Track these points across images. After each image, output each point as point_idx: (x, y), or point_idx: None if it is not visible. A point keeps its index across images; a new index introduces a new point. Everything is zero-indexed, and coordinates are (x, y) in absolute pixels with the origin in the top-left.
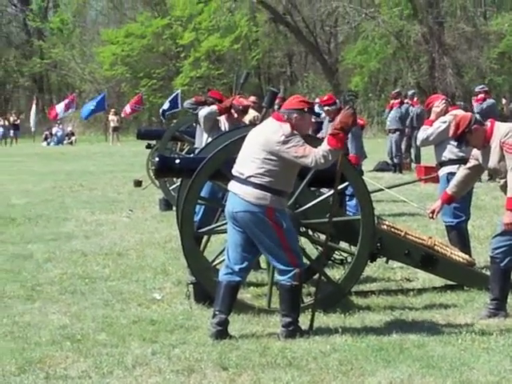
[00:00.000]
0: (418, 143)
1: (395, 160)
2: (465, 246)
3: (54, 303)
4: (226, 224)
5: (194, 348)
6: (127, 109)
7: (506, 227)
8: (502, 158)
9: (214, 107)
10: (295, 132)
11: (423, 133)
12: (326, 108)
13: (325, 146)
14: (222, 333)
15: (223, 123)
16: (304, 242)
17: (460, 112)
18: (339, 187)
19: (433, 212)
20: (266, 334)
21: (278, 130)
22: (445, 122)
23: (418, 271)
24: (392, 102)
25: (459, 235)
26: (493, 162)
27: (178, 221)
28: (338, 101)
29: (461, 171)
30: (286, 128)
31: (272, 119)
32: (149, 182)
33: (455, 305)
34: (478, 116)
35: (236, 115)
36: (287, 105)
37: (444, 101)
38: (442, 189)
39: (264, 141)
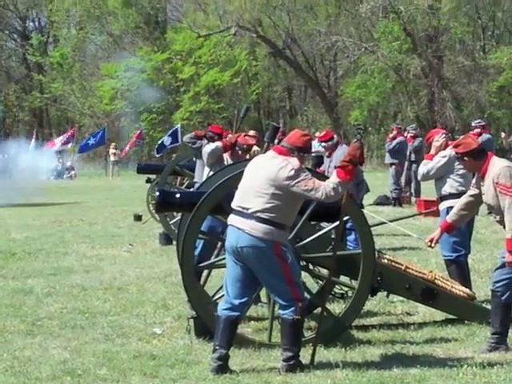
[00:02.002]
0: (419, 178)
1: (393, 194)
2: (464, 280)
3: (54, 338)
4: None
5: (194, 383)
6: (127, 148)
7: (507, 265)
8: (495, 196)
9: (219, 144)
10: (303, 166)
11: (424, 167)
12: (323, 144)
13: (334, 179)
14: (222, 367)
15: (226, 159)
16: (303, 276)
17: None
18: (339, 221)
19: (431, 240)
20: (267, 368)
21: (286, 165)
22: (445, 157)
23: (418, 305)
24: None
25: (458, 269)
26: (487, 197)
27: (178, 255)
28: (335, 136)
29: (462, 199)
30: (295, 162)
31: (274, 153)
32: (149, 217)
33: (456, 339)
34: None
35: (240, 152)
36: (289, 140)
37: (444, 135)
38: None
39: (272, 176)
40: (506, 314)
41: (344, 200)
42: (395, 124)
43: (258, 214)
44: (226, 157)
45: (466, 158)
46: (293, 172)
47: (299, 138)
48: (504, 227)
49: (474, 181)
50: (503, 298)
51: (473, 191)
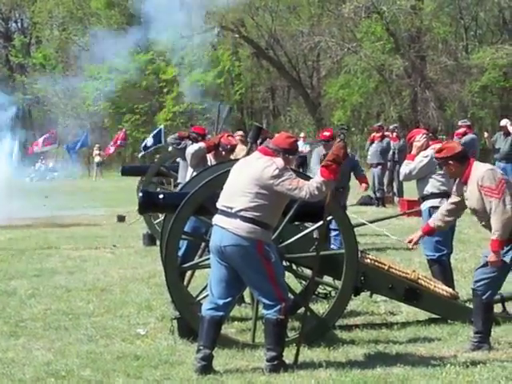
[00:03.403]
0: (401, 178)
1: (377, 194)
2: (446, 280)
3: (37, 339)
4: (209, 259)
5: (178, 383)
6: (111, 148)
7: (490, 265)
8: (480, 199)
9: (203, 144)
10: (287, 166)
11: (406, 168)
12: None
13: (318, 178)
14: (206, 368)
15: (210, 160)
16: (287, 276)
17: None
18: (323, 221)
19: (410, 241)
20: (251, 368)
21: (271, 165)
22: (426, 157)
23: (401, 305)
24: (373, 135)
25: (441, 268)
26: (471, 202)
27: (162, 256)
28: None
29: (444, 206)
30: (279, 162)
31: (260, 154)
32: (138, 216)
33: (439, 338)
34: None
35: (223, 153)
36: (275, 141)
37: (425, 135)
38: (424, 223)
39: (256, 175)
40: (487, 314)
41: (328, 199)
42: (378, 124)
43: (242, 213)
44: (210, 157)
45: (450, 162)
46: (277, 171)
47: (285, 140)
48: (490, 230)
49: (454, 188)
50: (484, 297)
51: (455, 199)
